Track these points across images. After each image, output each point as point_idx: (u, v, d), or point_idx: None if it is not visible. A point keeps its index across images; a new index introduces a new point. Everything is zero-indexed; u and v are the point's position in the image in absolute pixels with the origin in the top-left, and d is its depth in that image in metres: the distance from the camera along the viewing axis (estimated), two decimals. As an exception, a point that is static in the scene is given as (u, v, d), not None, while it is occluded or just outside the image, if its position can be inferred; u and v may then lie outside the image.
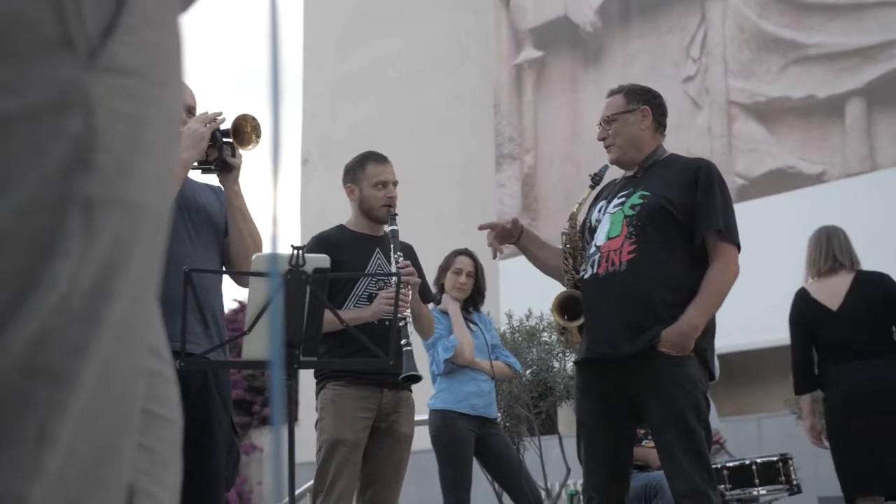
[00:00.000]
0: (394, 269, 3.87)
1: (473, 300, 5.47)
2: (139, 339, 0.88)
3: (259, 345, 2.78)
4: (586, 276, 3.58)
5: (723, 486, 4.96)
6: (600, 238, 3.58)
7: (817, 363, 5.04)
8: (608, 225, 3.58)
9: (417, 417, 5.97)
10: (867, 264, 5.43)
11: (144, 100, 0.83)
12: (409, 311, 3.80)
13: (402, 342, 3.73)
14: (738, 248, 3.54)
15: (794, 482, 5.01)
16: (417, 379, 3.78)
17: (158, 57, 0.86)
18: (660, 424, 3.42)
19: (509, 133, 15.44)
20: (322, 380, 4.03)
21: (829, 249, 4.98)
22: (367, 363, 3.68)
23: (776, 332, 11.71)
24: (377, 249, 4.09)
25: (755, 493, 4.95)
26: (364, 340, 3.18)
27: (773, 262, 11.67)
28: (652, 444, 5.17)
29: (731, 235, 3.50)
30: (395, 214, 4.09)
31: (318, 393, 4.02)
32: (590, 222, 3.70)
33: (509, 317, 7.26)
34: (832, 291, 4.94)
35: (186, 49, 0.98)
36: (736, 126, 12.69)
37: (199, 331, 3.03)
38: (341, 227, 4.22)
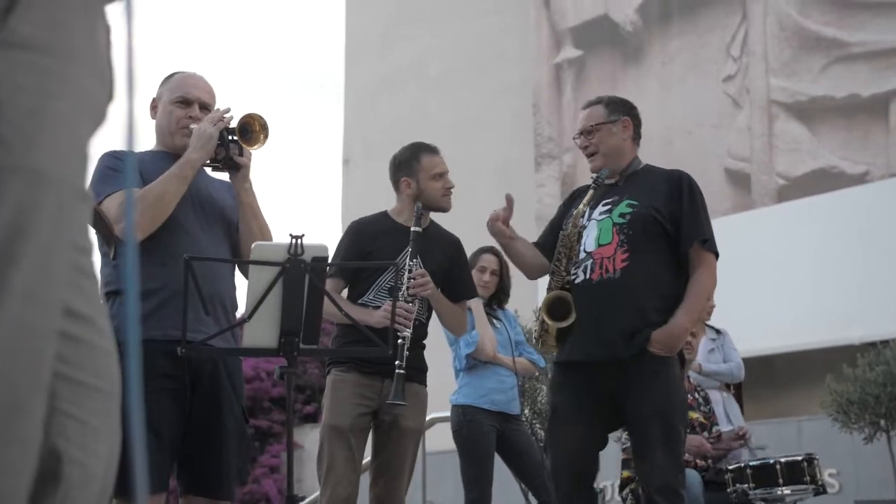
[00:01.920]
0: (408, 276, 3.82)
1: (498, 297, 5.49)
2: (48, 302, 0.90)
3: (259, 332, 2.81)
4: (578, 281, 3.69)
5: (746, 486, 4.89)
6: (590, 244, 3.70)
7: None
8: (596, 231, 3.71)
9: (441, 414, 5.99)
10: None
11: (49, 74, 0.85)
12: (409, 330, 3.74)
13: (396, 363, 3.69)
14: (717, 256, 3.72)
15: (820, 482, 4.92)
16: (401, 406, 3.76)
17: (65, 33, 0.87)
18: (645, 420, 3.55)
19: (548, 132, 15.40)
20: (329, 364, 4.04)
21: None
22: (364, 351, 3.69)
23: (818, 334, 11.61)
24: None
25: (779, 492, 4.87)
26: (363, 329, 3.20)
27: (815, 263, 11.54)
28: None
29: (713, 245, 3.70)
30: (421, 214, 3.99)
31: (326, 376, 4.04)
32: (567, 228, 3.78)
33: (536, 314, 7.24)
34: None
35: (105, 28, 0.99)
36: (777, 125, 12.54)
37: (205, 319, 3.06)
38: (384, 215, 4.18)
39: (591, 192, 3.76)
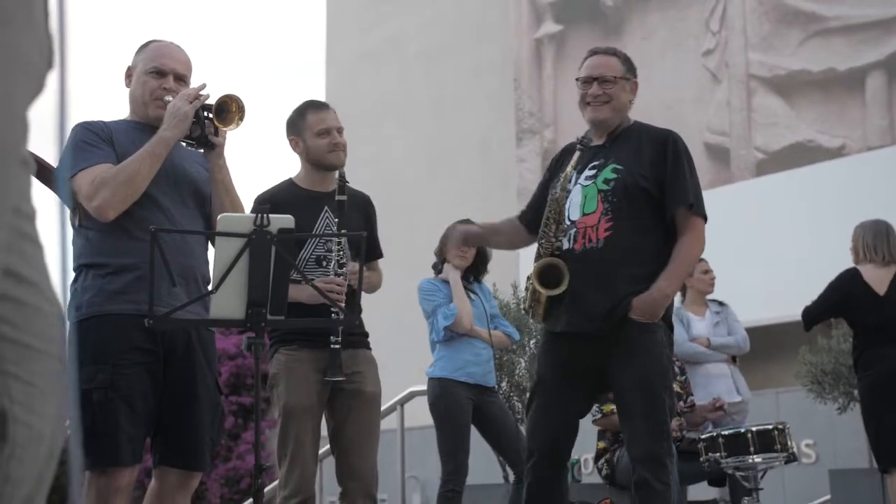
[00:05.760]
0: (337, 249, 3.76)
1: (476, 270, 5.50)
2: None
3: (226, 303, 2.83)
4: (563, 250, 3.62)
5: (718, 454, 4.97)
6: (574, 212, 3.61)
7: (858, 344, 5.47)
8: (581, 198, 3.60)
9: (419, 388, 6.02)
10: (888, 238, 5.66)
11: None
12: (342, 303, 3.66)
13: (332, 338, 3.66)
14: (705, 219, 3.62)
15: (790, 450, 5.00)
16: (339, 381, 3.75)
17: None
18: (626, 388, 3.51)
19: (529, 108, 15.41)
20: (274, 344, 3.90)
21: (889, 244, 5.44)
22: (327, 322, 3.66)
23: (796, 306, 11.66)
24: (325, 208, 3.92)
25: (751, 460, 4.94)
26: (326, 297, 3.20)
27: (793, 236, 11.61)
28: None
29: (700, 209, 3.59)
30: (345, 182, 3.85)
31: (271, 357, 3.90)
32: (557, 190, 3.68)
33: (514, 287, 7.29)
34: (881, 278, 5.39)
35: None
36: (755, 100, 12.58)
37: (176, 292, 3.08)
38: (290, 183, 4.05)
39: (577, 154, 3.64)
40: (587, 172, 3.63)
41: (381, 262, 4.19)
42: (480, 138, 16.00)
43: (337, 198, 3.82)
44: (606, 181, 3.57)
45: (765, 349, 12.40)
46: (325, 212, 3.92)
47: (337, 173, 3.87)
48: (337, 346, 3.67)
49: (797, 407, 9.65)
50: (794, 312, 11.45)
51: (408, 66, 17.36)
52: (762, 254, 11.73)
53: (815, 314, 5.63)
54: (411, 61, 17.34)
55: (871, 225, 5.55)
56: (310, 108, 4.02)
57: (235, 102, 3.35)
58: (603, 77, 3.69)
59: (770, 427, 5.00)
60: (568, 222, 3.61)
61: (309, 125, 3.97)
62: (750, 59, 12.66)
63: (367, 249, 3.95)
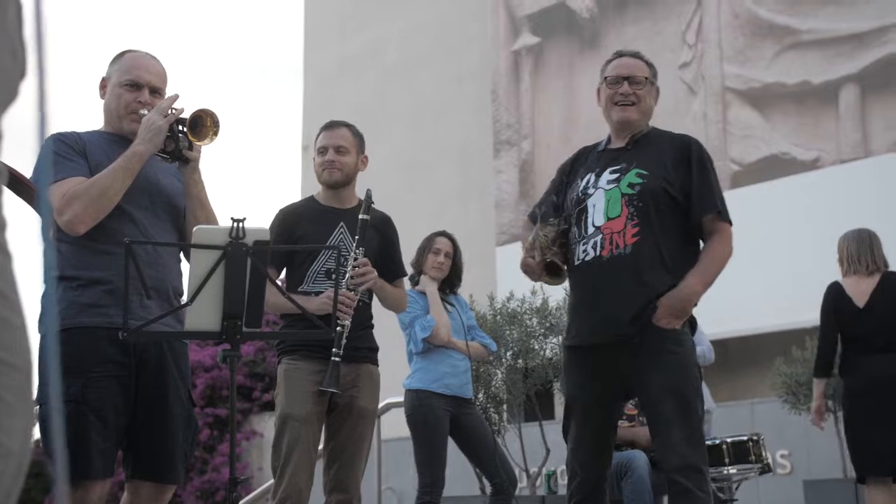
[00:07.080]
0: (352, 265, 3.82)
1: (451, 282, 5.50)
2: None
3: (202, 316, 2.81)
4: (588, 258, 3.53)
5: (693, 466, 4.99)
6: (598, 218, 3.54)
7: (842, 352, 5.47)
8: (604, 202, 3.54)
9: (396, 399, 6.02)
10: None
11: None
12: (349, 319, 3.73)
13: (333, 350, 3.68)
14: (731, 225, 3.56)
15: (765, 461, 5.04)
16: (334, 393, 3.78)
17: None
18: (659, 398, 3.41)
19: (507, 119, 15.45)
20: (279, 354, 3.96)
21: (873, 253, 5.45)
22: (307, 334, 3.68)
23: (771, 317, 11.77)
24: (341, 223, 3.96)
25: (726, 471, 4.97)
26: (305, 312, 3.20)
27: (767, 249, 11.68)
28: (629, 423, 5.23)
29: (727, 215, 3.54)
30: (371, 203, 3.89)
31: (277, 366, 3.96)
32: (577, 193, 3.62)
33: (491, 299, 7.30)
34: (862, 289, 5.40)
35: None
36: (731, 112, 12.68)
37: (149, 304, 3.06)
38: (311, 199, 4.13)
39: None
40: (608, 176, 3.58)
41: None
42: (459, 149, 16.03)
43: (360, 216, 3.86)
44: (631, 185, 3.52)
45: (740, 360, 12.49)
46: (341, 227, 3.96)
47: (365, 193, 3.93)
48: (337, 359, 3.68)
49: (772, 418, 9.70)
50: (768, 323, 11.60)
51: (386, 76, 17.38)
52: (737, 265, 11.66)
53: (825, 349, 5.49)
54: (389, 71, 17.36)
55: (853, 235, 5.54)
56: (321, 129, 4.10)
57: (210, 117, 3.32)
58: (634, 77, 3.65)
59: (745, 438, 5.04)
60: (592, 228, 3.54)
61: (317, 145, 4.07)
62: (725, 72, 12.76)
63: (389, 268, 4.06)
